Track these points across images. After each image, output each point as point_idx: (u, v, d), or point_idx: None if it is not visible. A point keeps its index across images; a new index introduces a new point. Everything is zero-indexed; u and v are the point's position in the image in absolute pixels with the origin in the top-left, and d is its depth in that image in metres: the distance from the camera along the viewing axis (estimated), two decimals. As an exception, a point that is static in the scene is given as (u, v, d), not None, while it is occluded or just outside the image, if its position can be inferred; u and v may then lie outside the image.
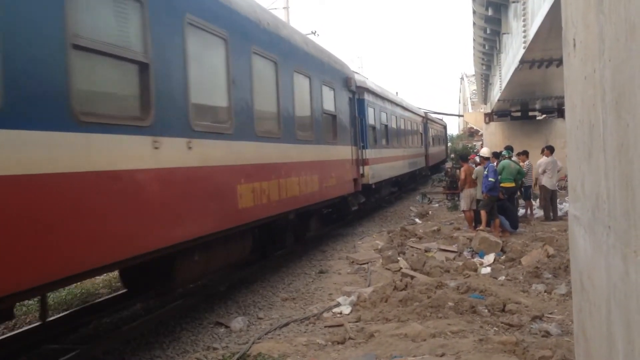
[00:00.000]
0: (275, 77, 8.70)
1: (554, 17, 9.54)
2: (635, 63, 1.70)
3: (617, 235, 2.04)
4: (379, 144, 17.49)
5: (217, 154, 6.70)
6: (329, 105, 11.54)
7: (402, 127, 23.17)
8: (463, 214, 14.15)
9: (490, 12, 18.54)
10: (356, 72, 16.10)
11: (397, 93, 27.24)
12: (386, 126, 19.15)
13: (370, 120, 16.51)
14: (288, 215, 9.25)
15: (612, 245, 2.13)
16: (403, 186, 25.52)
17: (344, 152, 12.55)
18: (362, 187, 14.44)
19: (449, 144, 55.03)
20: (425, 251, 10.85)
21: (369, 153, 15.58)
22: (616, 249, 2.07)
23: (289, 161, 9.02)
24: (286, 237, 10.21)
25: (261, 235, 9.23)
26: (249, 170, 7.52)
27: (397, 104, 22.00)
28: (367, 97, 16.17)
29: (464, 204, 13.50)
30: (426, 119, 31.65)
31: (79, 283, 7.94)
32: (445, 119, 66.51)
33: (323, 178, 10.68)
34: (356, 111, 14.25)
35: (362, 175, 14.33)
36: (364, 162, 14.65)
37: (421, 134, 29.37)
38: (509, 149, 15.66)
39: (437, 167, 39.52)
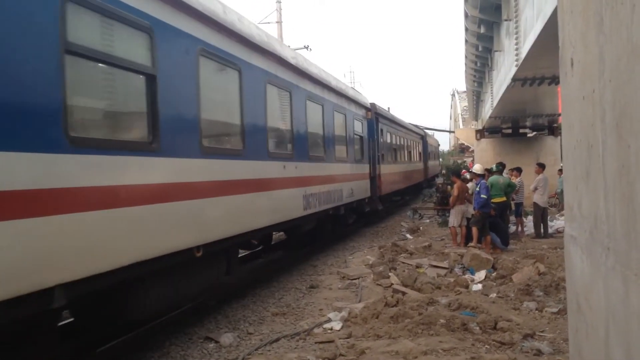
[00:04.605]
0: None
1: (547, 35, 9.62)
2: (638, 84, 1.69)
3: (617, 257, 2.02)
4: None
5: None
6: None
7: (291, 117, 10.07)
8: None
9: (482, 30, 18.69)
10: None
11: (388, 109, 26.71)
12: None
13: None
14: None
15: (612, 267, 2.10)
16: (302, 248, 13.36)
17: None
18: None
19: (440, 160, 55.14)
20: (417, 267, 10.82)
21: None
22: (616, 271, 2.04)
23: None
24: None
25: None
26: None
27: (278, 57, 9.39)
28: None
29: (453, 220, 13.47)
30: (375, 114, 18.44)
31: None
32: (437, 135, 66.80)
33: None
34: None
35: None
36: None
37: (360, 137, 16.27)
38: (501, 165, 15.71)
39: (394, 199, 25.60)
